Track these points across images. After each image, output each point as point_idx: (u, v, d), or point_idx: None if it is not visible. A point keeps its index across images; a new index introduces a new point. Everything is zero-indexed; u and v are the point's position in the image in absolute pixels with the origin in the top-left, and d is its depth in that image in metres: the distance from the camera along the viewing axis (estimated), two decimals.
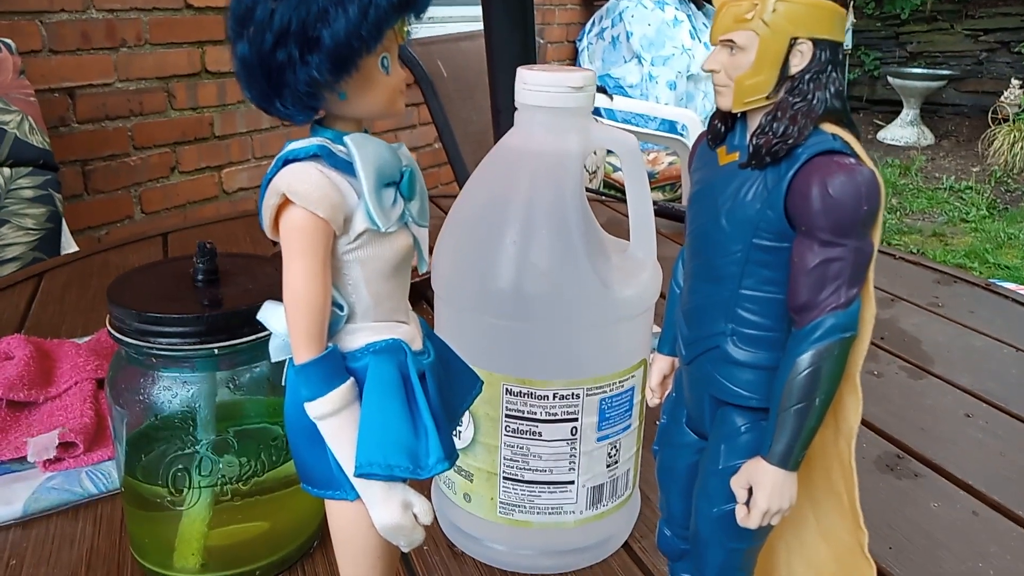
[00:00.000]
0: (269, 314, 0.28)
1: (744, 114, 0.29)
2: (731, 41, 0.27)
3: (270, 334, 0.29)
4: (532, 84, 0.41)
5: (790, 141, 0.27)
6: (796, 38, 0.26)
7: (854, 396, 0.29)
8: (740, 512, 0.30)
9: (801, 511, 0.32)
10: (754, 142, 0.27)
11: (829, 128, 0.27)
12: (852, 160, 0.26)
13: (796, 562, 0.34)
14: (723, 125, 0.30)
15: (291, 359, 0.27)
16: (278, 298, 0.27)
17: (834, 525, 0.32)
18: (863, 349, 0.28)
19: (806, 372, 0.27)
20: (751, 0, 0.27)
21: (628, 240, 0.45)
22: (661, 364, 0.36)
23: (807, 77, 0.27)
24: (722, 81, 0.28)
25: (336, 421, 0.27)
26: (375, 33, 0.24)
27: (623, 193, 0.45)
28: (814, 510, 0.32)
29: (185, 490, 0.42)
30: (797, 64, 0.27)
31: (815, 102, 0.27)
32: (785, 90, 0.27)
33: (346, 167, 0.26)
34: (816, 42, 0.26)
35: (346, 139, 0.26)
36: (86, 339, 0.69)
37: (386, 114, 0.27)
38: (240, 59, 0.25)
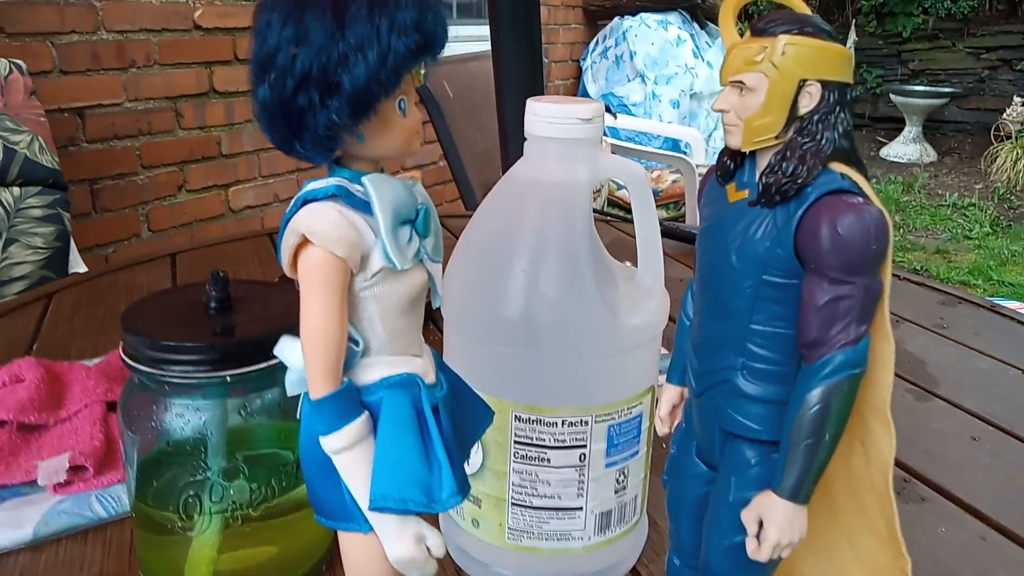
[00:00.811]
0: (286, 349, 0.28)
1: (753, 152, 0.29)
2: (741, 82, 0.28)
3: (282, 362, 0.29)
4: (542, 116, 0.41)
5: (799, 180, 0.27)
6: (805, 80, 0.27)
7: (886, 429, 0.29)
8: (751, 545, 0.30)
9: (832, 539, 0.33)
10: (763, 181, 0.28)
11: (838, 168, 0.28)
12: (861, 199, 0.27)
13: None
14: (732, 162, 0.30)
15: (306, 393, 0.28)
16: (289, 325, 0.27)
17: (871, 553, 0.32)
18: (888, 384, 0.28)
19: (816, 408, 0.27)
20: (760, 43, 0.27)
21: (633, 261, 0.45)
22: (671, 394, 0.36)
23: (816, 118, 0.27)
24: (732, 121, 0.28)
25: (351, 455, 0.27)
26: (394, 78, 0.25)
27: (628, 211, 0.46)
28: (848, 539, 0.32)
29: (196, 515, 0.42)
30: (806, 105, 0.27)
31: (824, 142, 0.27)
32: (794, 130, 0.27)
33: (363, 206, 0.27)
34: (825, 84, 0.27)
35: (364, 179, 0.27)
36: (96, 361, 0.69)
37: (403, 154, 0.28)
38: (261, 103, 0.25)
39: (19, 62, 1.41)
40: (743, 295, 0.29)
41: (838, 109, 0.27)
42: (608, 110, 2.74)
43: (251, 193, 2.33)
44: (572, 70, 3.86)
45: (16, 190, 1.32)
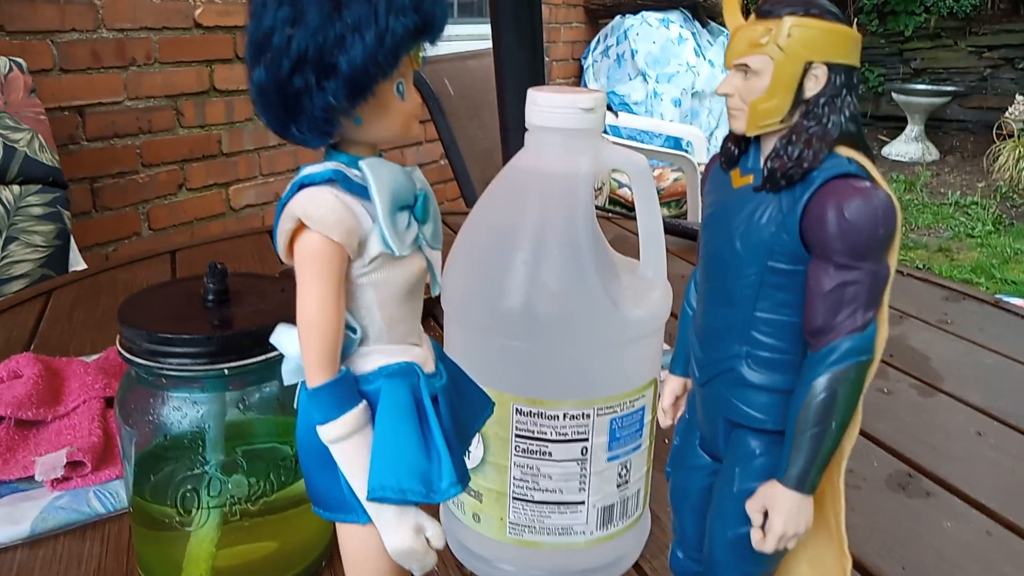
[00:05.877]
0: (282, 337, 0.28)
1: (758, 137, 0.29)
2: (746, 65, 0.27)
3: (280, 354, 0.29)
4: (543, 105, 0.41)
5: (805, 165, 0.27)
6: (811, 63, 0.26)
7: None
8: (755, 536, 0.29)
9: None
10: (769, 165, 0.27)
11: (844, 152, 0.27)
12: (868, 183, 0.26)
13: None
14: (736, 148, 0.30)
15: (304, 382, 0.27)
16: (288, 318, 0.27)
17: (821, 551, 0.32)
18: (872, 372, 0.28)
19: (822, 396, 0.27)
20: (766, 25, 0.27)
21: (636, 257, 0.45)
22: (673, 385, 0.36)
23: (822, 101, 0.27)
24: (736, 105, 0.28)
25: (349, 445, 0.26)
26: (391, 59, 0.24)
27: (629, 209, 0.45)
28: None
29: (194, 510, 0.42)
30: (812, 88, 0.27)
31: (830, 126, 0.27)
32: (800, 114, 0.27)
33: (361, 191, 0.26)
34: (831, 66, 0.26)
35: (361, 163, 0.26)
36: (94, 357, 0.69)
37: (401, 139, 0.27)
38: (257, 85, 0.25)
39: (19, 60, 1.41)
40: (748, 282, 0.28)
41: (845, 92, 0.27)
42: (610, 108, 2.74)
43: (252, 192, 2.33)
44: (573, 69, 3.86)
45: (16, 188, 1.32)
